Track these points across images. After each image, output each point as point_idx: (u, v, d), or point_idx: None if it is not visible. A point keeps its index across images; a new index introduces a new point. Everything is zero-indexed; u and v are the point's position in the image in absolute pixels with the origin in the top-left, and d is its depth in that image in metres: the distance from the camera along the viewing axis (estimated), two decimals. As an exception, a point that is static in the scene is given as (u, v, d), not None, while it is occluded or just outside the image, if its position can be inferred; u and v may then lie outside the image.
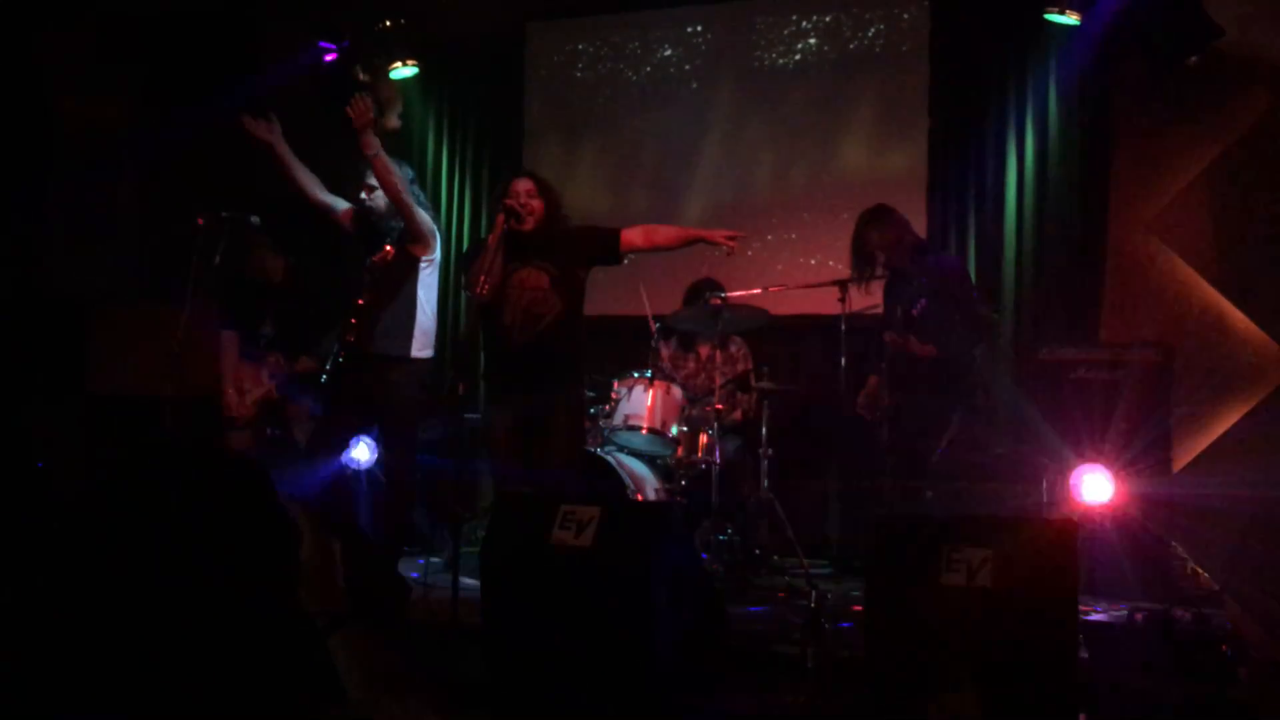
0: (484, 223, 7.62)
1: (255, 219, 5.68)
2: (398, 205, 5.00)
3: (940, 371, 5.20)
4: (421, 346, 5.11)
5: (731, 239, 4.91)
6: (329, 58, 7.47)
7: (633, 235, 4.91)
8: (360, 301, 5.14)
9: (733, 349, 6.33)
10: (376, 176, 4.95)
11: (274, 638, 1.31)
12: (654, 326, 6.10)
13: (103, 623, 1.18)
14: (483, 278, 4.67)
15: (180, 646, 1.22)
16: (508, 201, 4.79)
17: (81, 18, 7.40)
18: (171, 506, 1.24)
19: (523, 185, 4.87)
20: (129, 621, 1.18)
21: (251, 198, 5.66)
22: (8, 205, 7.50)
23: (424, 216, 5.12)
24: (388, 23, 7.11)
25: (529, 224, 4.79)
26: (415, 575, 5.25)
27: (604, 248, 4.90)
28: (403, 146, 7.85)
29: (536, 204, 4.83)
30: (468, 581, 4.46)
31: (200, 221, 5.49)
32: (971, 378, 5.31)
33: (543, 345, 4.80)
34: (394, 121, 8.02)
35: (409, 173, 5.24)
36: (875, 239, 5.30)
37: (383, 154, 4.91)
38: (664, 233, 5.01)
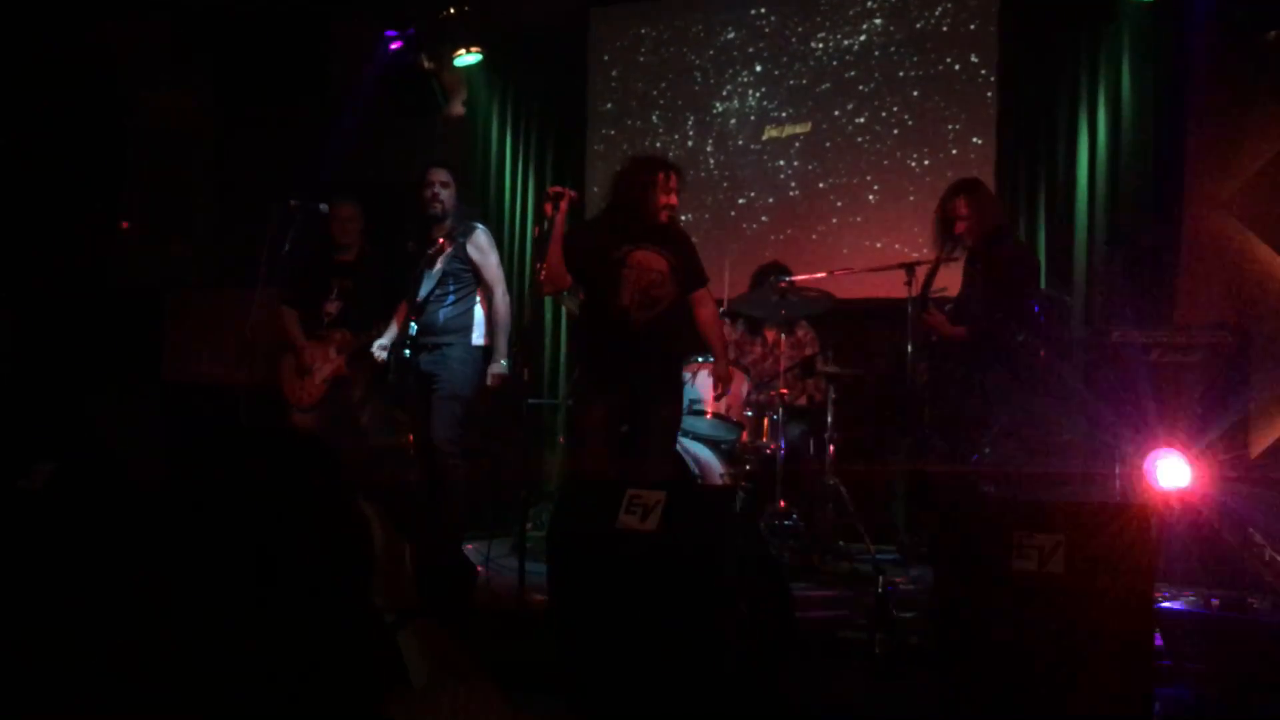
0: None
1: (324, 206, 5.77)
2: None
3: (973, 350, 5.16)
4: (481, 335, 5.16)
5: (721, 385, 5.03)
6: (395, 46, 7.55)
7: (702, 301, 4.96)
8: (422, 292, 5.20)
9: (799, 333, 6.29)
10: None
11: (343, 630, 1.32)
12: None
13: (175, 612, 1.21)
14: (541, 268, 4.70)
15: (251, 639, 1.24)
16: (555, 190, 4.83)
17: (156, 12, 7.53)
18: (243, 493, 1.25)
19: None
20: (200, 612, 1.21)
21: (321, 186, 5.72)
22: (85, 196, 7.66)
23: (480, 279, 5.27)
24: (452, 10, 7.17)
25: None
26: (482, 559, 5.29)
27: (689, 281, 4.94)
28: (467, 133, 7.91)
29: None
30: (533, 565, 4.48)
31: (272, 210, 5.60)
32: (1012, 353, 5.22)
33: (659, 328, 4.80)
34: (458, 109, 8.09)
35: (479, 229, 5.38)
36: (958, 208, 5.22)
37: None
38: (714, 330, 5.01)
